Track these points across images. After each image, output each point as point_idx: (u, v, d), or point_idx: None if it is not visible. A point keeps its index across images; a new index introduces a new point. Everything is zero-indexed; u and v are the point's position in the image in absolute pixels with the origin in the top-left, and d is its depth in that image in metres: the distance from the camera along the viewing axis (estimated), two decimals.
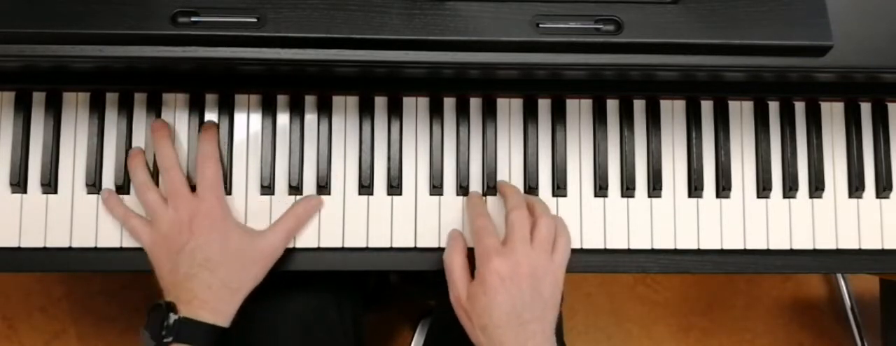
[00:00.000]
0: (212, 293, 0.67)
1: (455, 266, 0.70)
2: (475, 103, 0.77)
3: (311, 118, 0.75)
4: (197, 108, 0.74)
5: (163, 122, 0.73)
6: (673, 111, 0.78)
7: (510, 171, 0.76)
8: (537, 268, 0.67)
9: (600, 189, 0.76)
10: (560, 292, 0.70)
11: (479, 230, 0.69)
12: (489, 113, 0.76)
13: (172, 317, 0.66)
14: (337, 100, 0.76)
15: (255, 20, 0.63)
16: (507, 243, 0.68)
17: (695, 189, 0.77)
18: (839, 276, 1.48)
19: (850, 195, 0.78)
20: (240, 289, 0.69)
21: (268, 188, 0.74)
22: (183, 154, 0.74)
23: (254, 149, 0.75)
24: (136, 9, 0.63)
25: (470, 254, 0.71)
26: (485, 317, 0.66)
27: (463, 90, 0.76)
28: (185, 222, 0.68)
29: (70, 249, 0.73)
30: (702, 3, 0.65)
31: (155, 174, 0.73)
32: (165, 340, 0.66)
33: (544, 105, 0.77)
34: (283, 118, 0.75)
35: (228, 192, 0.74)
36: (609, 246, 0.76)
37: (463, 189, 0.75)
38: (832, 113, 0.79)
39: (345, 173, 0.75)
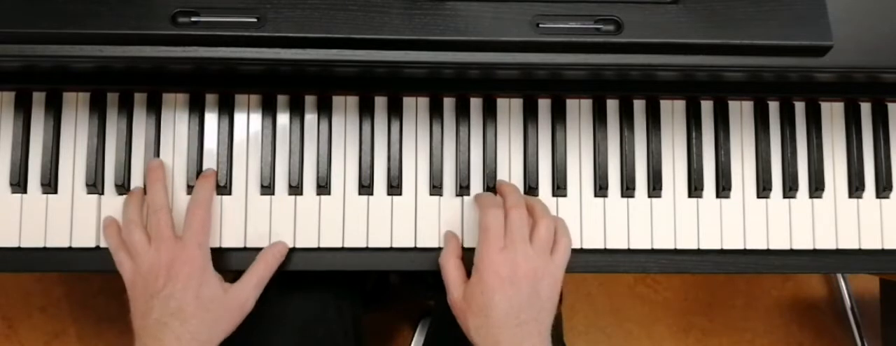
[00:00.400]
0: (181, 345, 0.66)
1: (450, 268, 0.70)
2: (475, 103, 0.77)
3: (311, 118, 0.75)
4: (197, 108, 0.74)
5: (160, 162, 0.73)
6: (673, 111, 0.78)
7: (510, 171, 0.76)
8: (536, 269, 0.67)
9: (600, 189, 0.76)
10: (558, 293, 0.70)
11: (487, 227, 0.68)
12: (489, 113, 0.76)
13: None
14: (337, 100, 0.76)
15: (255, 20, 0.63)
16: (506, 243, 0.68)
17: (695, 189, 0.77)
18: (839, 276, 1.48)
19: (850, 195, 0.78)
20: (209, 341, 0.68)
21: (268, 188, 0.74)
22: (180, 157, 0.74)
23: (254, 149, 0.75)
24: (136, 9, 0.63)
25: (465, 255, 0.71)
26: (481, 316, 0.66)
27: (463, 90, 0.76)
28: (163, 266, 0.67)
29: (70, 249, 0.73)
30: (702, 3, 0.65)
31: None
32: None
33: (544, 105, 0.77)
34: (283, 118, 0.75)
35: (228, 192, 0.74)
36: (609, 246, 0.76)
37: (463, 189, 0.75)
38: (832, 113, 0.79)
39: (345, 173, 0.75)
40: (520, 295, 0.66)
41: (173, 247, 0.68)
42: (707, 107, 0.78)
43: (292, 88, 0.75)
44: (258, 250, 0.73)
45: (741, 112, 0.78)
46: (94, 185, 0.73)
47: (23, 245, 0.73)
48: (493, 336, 0.65)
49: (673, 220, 0.77)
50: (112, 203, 0.74)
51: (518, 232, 0.68)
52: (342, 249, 0.75)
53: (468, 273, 0.70)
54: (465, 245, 0.74)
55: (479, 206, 0.71)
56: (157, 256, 0.68)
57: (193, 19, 0.63)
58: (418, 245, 0.75)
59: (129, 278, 0.69)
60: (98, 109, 0.74)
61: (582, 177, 0.77)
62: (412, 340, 1.37)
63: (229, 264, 0.74)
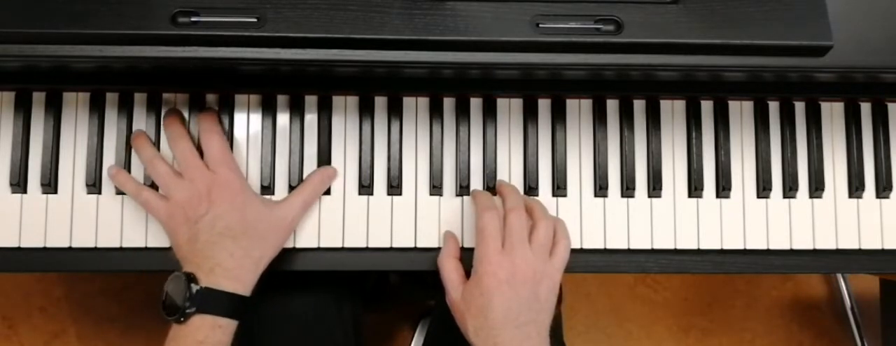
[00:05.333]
0: (234, 260, 0.66)
1: (448, 268, 0.70)
2: (475, 103, 0.77)
3: (311, 118, 0.75)
4: (197, 108, 0.74)
5: (178, 111, 0.74)
6: (673, 111, 0.78)
7: (510, 171, 0.76)
8: (535, 271, 0.67)
9: (600, 189, 0.76)
10: (557, 294, 0.70)
11: (484, 228, 0.68)
12: (489, 113, 0.76)
13: (194, 287, 0.65)
14: (337, 100, 0.76)
15: (255, 20, 0.63)
16: (505, 245, 0.68)
17: (695, 189, 0.77)
18: (839, 276, 1.48)
19: (850, 195, 0.78)
20: (262, 258, 0.69)
21: (268, 188, 0.74)
22: None
23: (254, 149, 0.75)
24: (136, 9, 0.63)
25: (464, 255, 0.71)
26: (480, 318, 0.66)
27: (463, 90, 0.76)
28: (203, 193, 0.67)
29: (70, 249, 0.73)
30: (702, 3, 0.65)
31: None
32: (188, 310, 0.64)
33: (544, 105, 0.77)
34: (283, 118, 0.75)
35: None
36: (609, 246, 0.76)
37: (463, 189, 0.75)
38: (832, 113, 0.79)
39: (345, 173, 0.75)
40: (519, 297, 0.66)
41: (206, 174, 0.68)
42: (707, 107, 0.78)
43: (292, 88, 0.75)
44: None
45: (741, 112, 0.78)
46: (94, 185, 0.73)
47: (23, 245, 0.73)
48: (492, 338, 0.65)
49: (673, 220, 0.77)
50: (112, 203, 0.73)
51: (517, 235, 0.68)
52: (342, 249, 0.75)
53: (467, 274, 0.70)
54: (465, 245, 0.74)
55: (477, 206, 0.71)
56: (193, 185, 0.68)
57: (193, 19, 0.63)
58: (418, 245, 0.75)
59: (165, 212, 0.69)
60: (98, 109, 0.74)
61: (582, 177, 0.77)
62: (412, 340, 1.37)
63: None
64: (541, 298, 0.67)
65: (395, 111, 0.75)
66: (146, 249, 0.73)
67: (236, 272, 0.67)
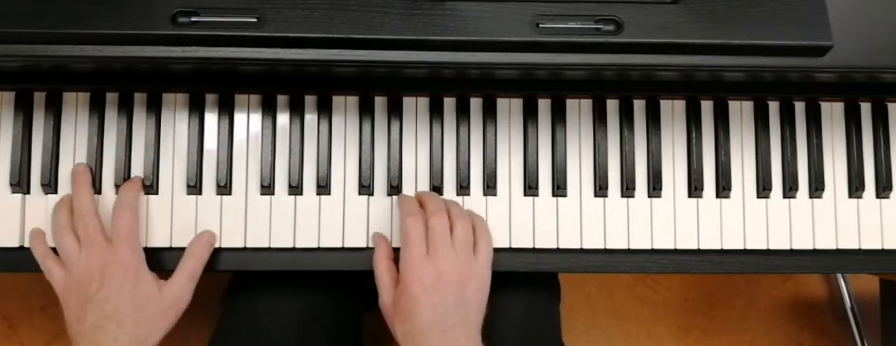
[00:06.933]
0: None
1: (381, 271, 0.70)
2: (475, 103, 0.77)
3: (311, 118, 0.75)
4: (197, 108, 0.74)
5: (85, 167, 0.73)
6: (673, 111, 0.78)
7: (510, 171, 0.76)
8: (462, 273, 0.67)
9: (600, 189, 0.76)
10: (486, 293, 0.70)
11: (408, 234, 0.68)
12: (489, 113, 0.76)
13: None
14: (337, 100, 0.76)
15: (255, 20, 0.63)
16: (429, 249, 0.68)
17: (695, 189, 0.77)
18: (839, 276, 1.48)
19: (850, 195, 0.78)
20: (147, 341, 0.68)
21: (268, 188, 0.74)
22: (180, 157, 0.74)
23: (254, 149, 0.75)
24: (136, 9, 0.63)
25: (396, 256, 0.72)
26: (407, 323, 0.66)
27: (463, 90, 0.76)
28: (96, 271, 0.67)
29: None
30: (702, 3, 0.65)
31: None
32: None
33: (544, 105, 0.77)
34: (283, 118, 0.75)
35: (228, 192, 0.74)
36: (609, 246, 0.76)
37: (463, 189, 0.75)
38: (832, 113, 0.79)
39: (345, 172, 0.75)
40: (445, 302, 0.66)
41: (104, 251, 0.68)
42: (707, 107, 0.78)
43: (292, 88, 0.75)
44: (258, 250, 0.73)
45: (741, 112, 0.78)
46: (94, 185, 0.73)
47: (23, 245, 0.73)
48: (419, 343, 0.66)
49: (673, 220, 0.77)
50: (111, 203, 0.73)
51: (440, 237, 0.68)
52: (342, 249, 0.75)
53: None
54: (393, 246, 0.73)
55: (400, 212, 0.71)
56: (89, 260, 0.68)
57: (193, 19, 0.63)
58: None
59: (61, 284, 0.69)
60: (98, 109, 0.74)
61: (582, 177, 0.77)
62: None
63: (228, 264, 0.74)
64: (469, 299, 0.68)
65: (395, 111, 0.76)
66: (145, 249, 0.73)
67: None
